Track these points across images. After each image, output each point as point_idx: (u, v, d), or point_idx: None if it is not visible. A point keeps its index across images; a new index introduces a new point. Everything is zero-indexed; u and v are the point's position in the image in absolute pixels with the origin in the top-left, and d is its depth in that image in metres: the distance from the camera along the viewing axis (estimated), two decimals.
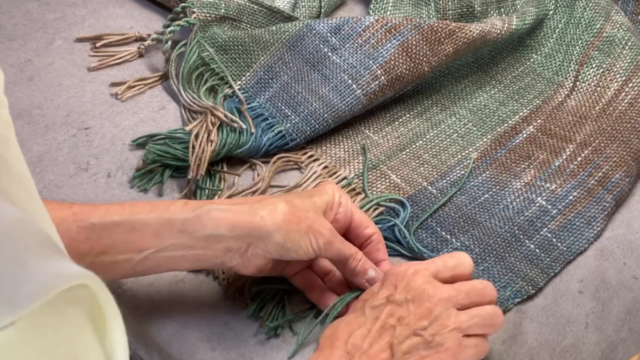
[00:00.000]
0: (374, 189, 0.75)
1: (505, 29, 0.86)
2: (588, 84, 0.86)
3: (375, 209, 0.72)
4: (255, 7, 0.88)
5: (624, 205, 0.76)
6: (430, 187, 0.75)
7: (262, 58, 0.83)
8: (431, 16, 0.93)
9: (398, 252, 0.69)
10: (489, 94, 0.86)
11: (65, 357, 0.29)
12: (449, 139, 0.81)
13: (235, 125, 0.75)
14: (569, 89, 0.86)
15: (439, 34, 0.81)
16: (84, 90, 0.83)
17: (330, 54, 0.82)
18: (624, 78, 0.84)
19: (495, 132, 0.81)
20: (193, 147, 0.72)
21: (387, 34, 0.81)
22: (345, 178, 0.76)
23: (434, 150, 0.79)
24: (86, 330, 0.31)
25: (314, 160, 0.77)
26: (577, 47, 0.89)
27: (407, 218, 0.71)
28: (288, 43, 0.84)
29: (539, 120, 0.82)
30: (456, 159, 0.78)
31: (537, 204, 0.73)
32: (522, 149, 0.79)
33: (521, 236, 0.70)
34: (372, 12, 0.93)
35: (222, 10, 0.86)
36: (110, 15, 0.93)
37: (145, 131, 0.78)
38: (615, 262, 0.70)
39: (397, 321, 0.55)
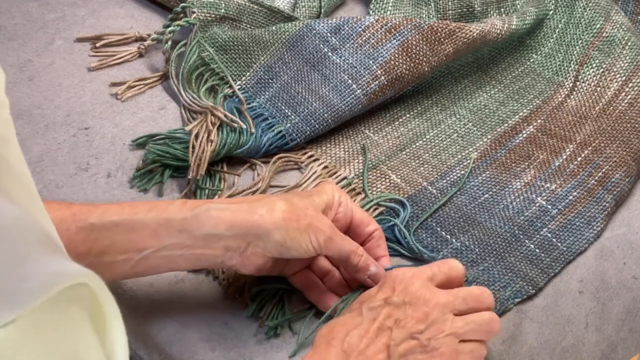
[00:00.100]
0: (374, 189, 0.75)
1: (505, 29, 0.86)
2: (588, 84, 0.86)
3: (375, 209, 0.72)
4: (255, 7, 0.88)
5: (624, 205, 0.76)
6: (430, 187, 0.75)
7: (262, 58, 0.83)
8: (431, 16, 0.93)
9: (398, 252, 0.69)
10: (489, 94, 0.86)
11: (65, 355, 0.29)
12: (449, 139, 0.81)
13: (235, 125, 0.75)
14: (569, 89, 0.86)
15: (439, 34, 0.81)
16: (84, 90, 0.83)
17: (330, 54, 0.82)
18: (624, 78, 0.84)
19: (495, 132, 0.81)
20: (193, 147, 0.72)
21: (387, 34, 0.81)
22: (345, 178, 0.76)
23: (434, 150, 0.79)
24: (86, 329, 0.31)
25: (314, 160, 0.77)
26: (577, 47, 0.89)
27: (407, 218, 0.71)
28: (288, 43, 0.84)
29: (539, 120, 0.82)
30: (456, 159, 0.78)
31: (537, 204, 0.73)
32: (522, 149, 0.79)
33: (521, 236, 0.70)
34: (372, 12, 0.93)
35: (222, 10, 0.86)
36: (110, 15, 0.93)
37: (145, 131, 0.78)
38: (615, 262, 0.70)
39: (395, 323, 0.55)
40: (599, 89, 0.85)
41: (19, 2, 0.94)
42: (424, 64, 0.81)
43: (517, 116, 0.83)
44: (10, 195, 0.32)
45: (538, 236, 0.70)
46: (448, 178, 0.76)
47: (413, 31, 0.81)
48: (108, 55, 0.87)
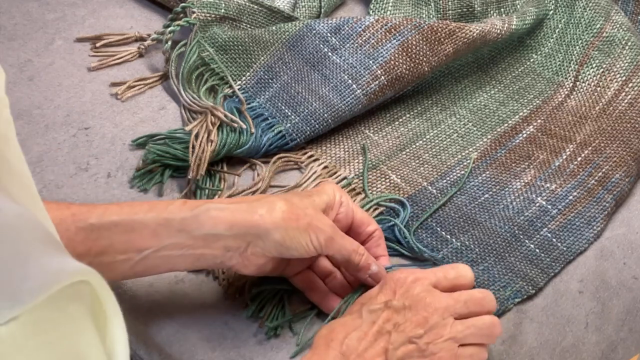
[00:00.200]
0: (374, 189, 0.75)
1: (505, 29, 0.86)
2: (588, 84, 0.86)
3: (375, 209, 0.72)
4: (255, 7, 0.88)
5: (624, 205, 0.76)
6: (430, 187, 0.75)
7: (262, 58, 0.83)
8: (431, 16, 0.93)
9: (398, 252, 0.69)
10: (489, 94, 0.87)
11: (66, 353, 0.29)
12: (449, 139, 0.81)
13: (235, 125, 0.75)
14: (569, 89, 0.86)
15: (439, 34, 0.81)
16: (84, 90, 0.83)
17: (330, 54, 0.82)
18: (624, 78, 0.85)
19: (495, 132, 0.81)
20: (193, 147, 0.72)
21: (387, 34, 0.81)
22: (345, 178, 0.76)
23: (434, 150, 0.79)
24: (87, 327, 0.31)
25: (314, 160, 0.77)
26: (577, 47, 0.89)
27: (407, 218, 0.71)
28: (288, 43, 0.84)
29: (539, 120, 0.82)
30: (456, 159, 0.78)
31: (537, 204, 0.73)
32: (522, 149, 0.79)
33: (521, 236, 0.70)
34: (372, 12, 0.93)
35: (222, 10, 0.86)
36: (110, 15, 0.93)
37: (145, 131, 0.78)
38: (615, 262, 0.70)
39: (394, 327, 0.55)
40: (599, 89, 0.85)
41: (19, 2, 0.94)
42: (424, 64, 0.81)
43: (517, 116, 0.83)
44: (12, 194, 0.32)
45: (538, 236, 0.70)
46: (448, 178, 0.76)
47: (413, 31, 0.81)
48: (108, 55, 0.87)
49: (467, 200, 0.74)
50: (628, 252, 0.71)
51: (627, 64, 0.85)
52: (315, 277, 0.64)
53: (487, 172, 0.77)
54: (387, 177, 0.76)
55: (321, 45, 0.83)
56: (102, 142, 0.77)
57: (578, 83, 0.86)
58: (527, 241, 0.70)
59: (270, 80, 0.82)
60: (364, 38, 0.82)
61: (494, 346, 0.62)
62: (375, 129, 0.81)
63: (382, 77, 0.79)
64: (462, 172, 0.77)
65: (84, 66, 0.86)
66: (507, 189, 0.75)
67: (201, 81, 0.82)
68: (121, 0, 0.96)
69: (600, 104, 0.83)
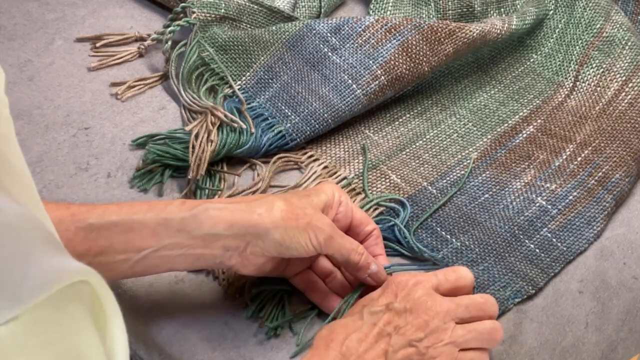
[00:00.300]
0: (374, 189, 0.75)
1: (505, 29, 0.86)
2: (588, 84, 0.86)
3: (375, 209, 0.72)
4: (255, 7, 0.88)
5: (624, 205, 0.76)
6: (430, 187, 0.75)
7: (262, 58, 0.83)
8: (431, 16, 0.93)
9: (398, 252, 0.69)
10: (489, 94, 0.87)
11: (66, 352, 0.29)
12: (449, 139, 0.81)
13: (235, 125, 0.75)
14: (569, 89, 0.86)
15: (439, 34, 0.81)
16: (84, 90, 0.83)
17: (330, 54, 0.82)
18: (624, 78, 0.85)
19: (495, 132, 0.81)
20: (193, 147, 0.72)
21: (387, 34, 0.81)
22: (345, 178, 0.76)
23: (434, 150, 0.79)
24: (87, 326, 0.31)
25: (314, 160, 0.77)
26: (577, 47, 0.89)
27: (407, 218, 0.71)
28: (288, 43, 0.84)
29: (539, 120, 0.82)
30: (456, 159, 0.78)
31: (537, 204, 0.73)
32: (522, 149, 0.79)
33: (521, 236, 0.70)
34: (372, 12, 0.93)
35: (222, 10, 0.86)
36: (110, 15, 0.93)
37: (145, 131, 0.78)
38: (615, 262, 0.70)
39: (394, 330, 0.55)
40: (599, 89, 0.85)
41: (19, 2, 0.94)
42: (424, 64, 0.81)
43: (517, 116, 0.83)
44: (11, 194, 0.32)
45: (538, 236, 0.70)
46: (448, 178, 0.76)
47: (413, 31, 0.81)
48: (108, 55, 0.87)
49: (467, 200, 0.74)
50: (628, 252, 0.71)
51: (627, 64, 0.85)
52: (315, 277, 0.64)
53: (487, 172, 0.77)
54: (387, 177, 0.76)
55: (321, 45, 0.83)
56: (102, 142, 0.77)
57: (578, 83, 0.86)
58: (527, 241, 0.70)
59: (270, 80, 0.82)
60: (364, 38, 0.82)
61: None
62: (375, 129, 0.81)
63: (382, 77, 0.79)
64: (462, 172, 0.77)
65: (84, 66, 0.86)
66: (507, 189, 0.75)
67: (201, 81, 0.82)
68: (121, 0, 0.96)
69: (600, 104, 0.83)
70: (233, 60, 0.83)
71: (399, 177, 0.76)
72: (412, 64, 0.80)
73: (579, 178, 0.75)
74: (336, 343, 0.54)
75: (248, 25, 0.88)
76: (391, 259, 0.68)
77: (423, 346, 0.55)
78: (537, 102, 0.85)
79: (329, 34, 0.83)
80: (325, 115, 0.78)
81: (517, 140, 0.80)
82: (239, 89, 0.81)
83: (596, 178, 0.75)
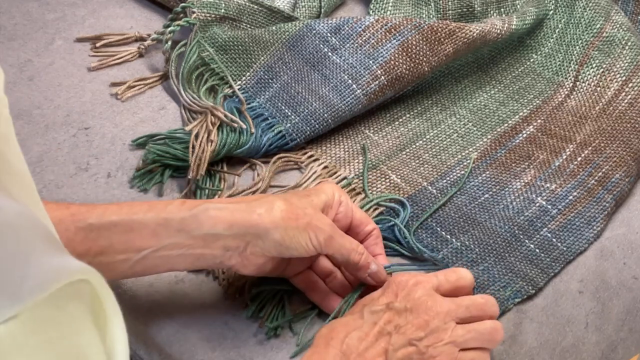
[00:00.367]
0: (374, 189, 0.75)
1: (505, 29, 0.86)
2: (588, 84, 0.86)
3: (375, 209, 0.72)
4: (255, 7, 0.88)
5: (624, 205, 0.76)
6: (430, 187, 0.75)
7: (262, 58, 0.83)
8: (431, 16, 0.93)
9: (398, 252, 0.69)
10: (489, 94, 0.87)
11: (66, 351, 0.29)
12: (449, 139, 0.81)
13: (235, 125, 0.75)
14: (569, 89, 0.86)
15: (439, 34, 0.81)
16: (84, 90, 0.83)
17: (330, 54, 0.82)
18: (624, 78, 0.85)
19: (495, 132, 0.81)
20: (193, 147, 0.72)
21: (387, 34, 0.81)
22: (345, 178, 0.76)
23: (434, 150, 0.79)
24: (87, 325, 0.31)
25: (314, 160, 0.77)
26: (577, 47, 0.89)
27: (407, 218, 0.71)
28: (288, 43, 0.84)
29: (539, 120, 0.82)
30: (456, 159, 0.78)
31: (537, 204, 0.73)
32: (522, 149, 0.79)
33: (521, 236, 0.70)
34: (372, 12, 0.93)
35: (222, 10, 0.86)
36: (110, 15, 0.93)
37: (145, 131, 0.78)
38: (615, 262, 0.70)
39: (395, 329, 0.55)
40: (599, 89, 0.85)
41: (19, 2, 0.94)
42: (424, 64, 0.81)
43: (517, 116, 0.83)
44: (11, 194, 0.32)
45: (538, 236, 0.70)
46: (448, 178, 0.76)
47: (413, 31, 0.81)
48: (108, 55, 0.87)
49: (467, 200, 0.74)
50: (628, 252, 0.71)
51: (627, 64, 0.85)
52: (315, 277, 0.64)
53: (487, 172, 0.77)
54: (387, 177, 0.76)
55: (321, 45, 0.83)
56: (102, 142, 0.77)
57: (578, 83, 0.86)
58: (527, 241, 0.70)
59: (270, 80, 0.82)
60: (364, 38, 0.82)
61: None
62: (375, 129, 0.81)
63: (382, 77, 0.79)
64: (462, 172, 0.77)
65: (84, 66, 0.86)
66: (507, 189, 0.75)
67: (201, 81, 0.82)
68: (121, 0, 0.96)
69: (600, 104, 0.83)
70: (233, 60, 0.83)
71: (399, 177, 0.76)
72: (412, 64, 0.80)
73: (579, 178, 0.75)
74: (336, 341, 0.54)
75: (248, 25, 0.88)
76: (391, 259, 0.68)
77: (423, 345, 0.55)
78: (537, 102, 0.85)
79: (329, 34, 0.83)
80: (325, 115, 0.78)
81: (517, 140, 0.80)
82: (239, 89, 0.81)
83: (596, 178, 0.75)
